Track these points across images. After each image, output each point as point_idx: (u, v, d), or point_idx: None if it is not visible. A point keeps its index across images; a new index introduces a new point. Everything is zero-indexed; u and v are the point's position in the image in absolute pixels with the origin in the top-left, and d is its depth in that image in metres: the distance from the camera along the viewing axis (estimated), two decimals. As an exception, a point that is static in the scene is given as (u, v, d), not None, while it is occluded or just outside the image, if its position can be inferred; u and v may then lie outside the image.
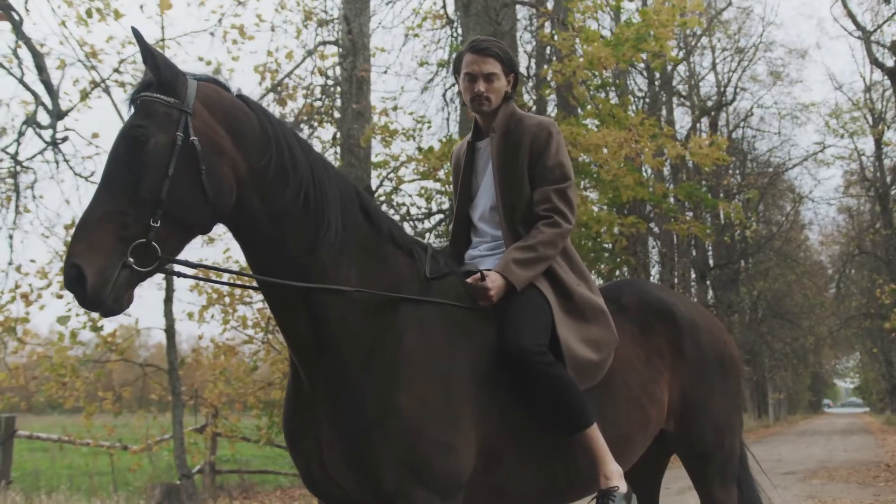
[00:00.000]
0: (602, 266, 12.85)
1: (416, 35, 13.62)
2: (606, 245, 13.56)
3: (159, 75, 2.40)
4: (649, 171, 18.84)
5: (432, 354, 2.66)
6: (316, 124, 11.93)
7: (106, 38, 9.96)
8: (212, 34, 10.37)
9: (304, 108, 11.51)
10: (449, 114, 14.51)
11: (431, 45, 14.50)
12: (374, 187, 11.18)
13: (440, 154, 10.31)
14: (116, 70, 10.11)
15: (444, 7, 14.62)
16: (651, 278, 21.85)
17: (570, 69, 10.93)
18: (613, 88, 15.08)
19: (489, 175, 3.18)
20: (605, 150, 10.21)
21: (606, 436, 2.93)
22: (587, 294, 3.10)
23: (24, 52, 8.13)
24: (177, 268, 2.45)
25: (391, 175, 11.36)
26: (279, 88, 11.11)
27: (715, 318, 3.77)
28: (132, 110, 2.41)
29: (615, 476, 2.81)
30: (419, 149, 10.99)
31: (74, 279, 2.18)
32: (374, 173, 11.31)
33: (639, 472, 3.59)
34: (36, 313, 10.08)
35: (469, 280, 2.90)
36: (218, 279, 2.64)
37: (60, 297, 9.48)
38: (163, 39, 10.16)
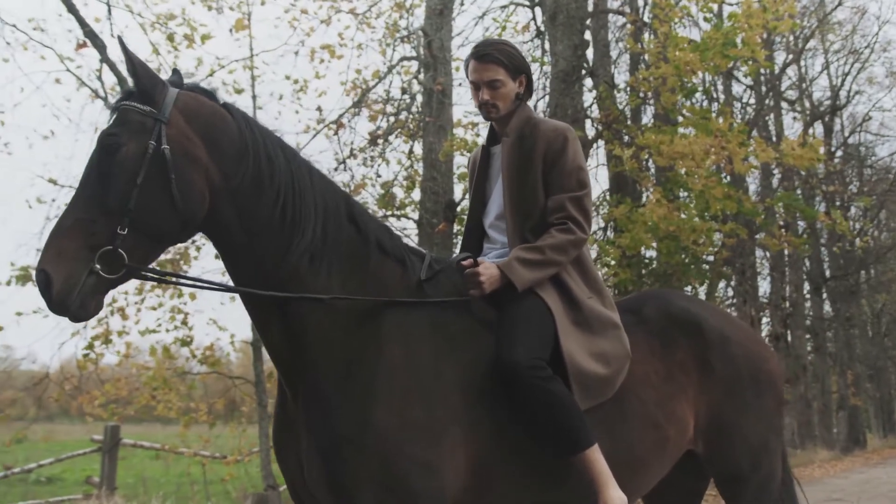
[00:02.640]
0: (693, 281, 12.34)
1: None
2: (706, 258, 13.08)
3: (138, 84, 2.42)
4: (751, 181, 18.15)
5: (415, 367, 2.55)
6: (402, 138, 12.05)
7: (196, 63, 10.40)
8: (296, 53, 10.62)
9: (393, 122, 11.64)
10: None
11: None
12: (457, 200, 11.15)
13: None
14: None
15: (533, 18, 14.59)
16: (759, 292, 20.98)
17: (658, 76, 10.65)
18: (704, 95, 14.56)
19: (500, 181, 3.07)
20: (692, 159, 9.90)
21: (617, 457, 2.76)
22: (598, 306, 2.93)
23: (108, 75, 8.50)
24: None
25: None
26: (363, 104, 11.26)
27: (752, 331, 3.52)
28: (111, 119, 2.45)
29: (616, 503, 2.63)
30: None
31: (43, 284, 2.22)
32: (458, 186, 11.29)
33: (669, 498, 3.38)
34: (132, 326, 10.53)
35: (463, 263, 2.79)
36: (193, 284, 2.62)
37: (154, 309, 9.88)
38: (251, 57, 10.50)
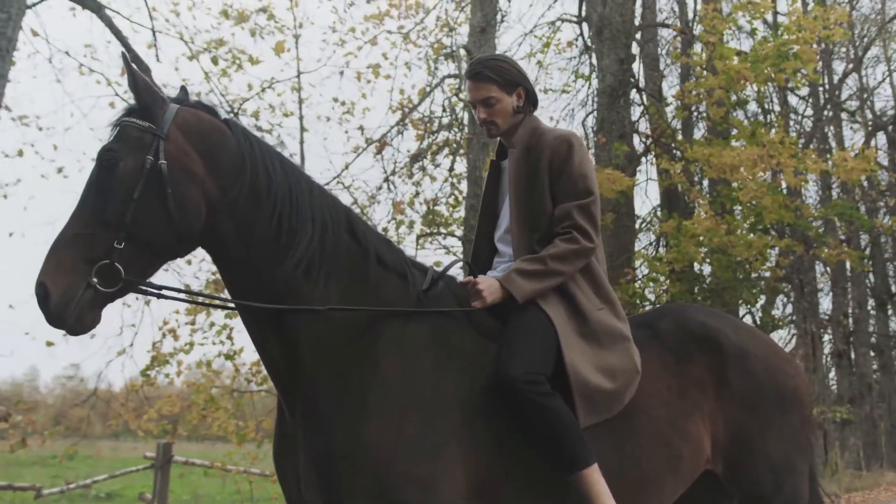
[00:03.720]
0: (747, 297, 12.05)
1: (539, 63, 13.51)
2: (762, 273, 12.76)
3: (139, 100, 2.46)
4: (810, 194, 17.67)
5: (412, 381, 2.52)
6: (447, 156, 12.07)
7: (247, 85, 10.62)
8: (341, 74, 10.75)
9: (435, 140, 11.68)
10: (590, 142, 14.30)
11: (568, 71, 14.37)
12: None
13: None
14: (255, 115, 10.74)
15: (580, 34, 14.53)
16: (821, 308, 20.34)
17: (706, 88, 10.49)
18: (759, 107, 14.28)
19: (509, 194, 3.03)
20: (741, 171, 9.70)
21: (625, 475, 2.68)
22: (607, 318, 2.85)
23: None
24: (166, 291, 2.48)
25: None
26: (407, 122, 11.33)
27: (776, 346, 3.36)
28: (111, 134, 2.49)
29: None
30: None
31: (41, 297, 2.26)
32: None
33: None
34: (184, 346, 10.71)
35: (463, 281, 2.77)
36: (190, 300, 2.63)
37: (205, 331, 10.05)
38: (298, 76, 10.68)
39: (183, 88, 2.74)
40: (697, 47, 12.30)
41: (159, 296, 2.47)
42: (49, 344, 8.59)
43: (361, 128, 11.01)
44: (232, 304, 2.62)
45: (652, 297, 11.23)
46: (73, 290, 2.27)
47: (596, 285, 2.91)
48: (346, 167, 10.92)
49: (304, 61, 10.97)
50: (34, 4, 7.17)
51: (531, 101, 3.07)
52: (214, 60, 9.34)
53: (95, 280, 2.29)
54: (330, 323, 2.56)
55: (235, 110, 10.38)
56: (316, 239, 2.57)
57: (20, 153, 9.81)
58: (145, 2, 8.37)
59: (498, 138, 3.14)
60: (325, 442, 2.45)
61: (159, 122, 2.45)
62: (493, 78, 2.97)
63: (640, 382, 2.85)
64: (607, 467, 2.63)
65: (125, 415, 9.72)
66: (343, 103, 11.55)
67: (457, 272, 3.08)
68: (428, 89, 11.28)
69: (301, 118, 11.18)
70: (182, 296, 2.65)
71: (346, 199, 11.12)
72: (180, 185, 2.41)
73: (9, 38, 5.76)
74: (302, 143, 11.19)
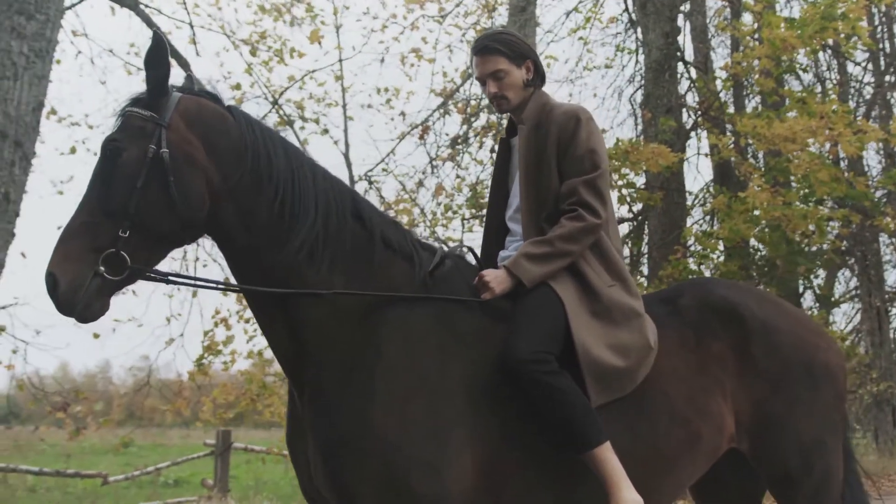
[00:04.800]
0: (803, 271, 11.68)
1: (581, 39, 13.30)
2: (822, 247, 12.36)
3: (147, 89, 2.50)
4: (874, 164, 17.06)
5: (417, 365, 2.50)
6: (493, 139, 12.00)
7: (288, 78, 10.70)
8: (381, 60, 10.75)
9: (475, 123, 11.63)
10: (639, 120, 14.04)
11: (611, 48, 14.13)
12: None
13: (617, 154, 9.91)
14: (299, 106, 10.83)
15: (626, 9, 14.25)
16: (886, 282, 19.68)
17: (751, 58, 10.20)
18: (815, 78, 13.82)
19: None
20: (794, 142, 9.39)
21: (639, 454, 2.63)
22: (619, 295, 2.79)
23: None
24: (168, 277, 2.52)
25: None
26: (450, 105, 11.29)
27: (807, 319, 3.23)
28: (115, 124, 2.52)
29: None
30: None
31: (50, 287, 2.31)
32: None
33: (723, 501, 3.20)
34: (240, 334, 10.92)
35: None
36: (194, 284, 2.67)
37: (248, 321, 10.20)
38: (340, 62, 10.76)
39: (188, 77, 2.75)
40: (747, 17, 11.97)
41: (166, 282, 2.51)
42: (96, 336, 8.82)
43: (403, 114, 11.00)
44: (237, 289, 2.64)
45: (706, 273, 10.99)
46: (81, 278, 2.31)
47: (607, 261, 2.85)
48: (391, 152, 10.94)
49: (344, 50, 10.91)
50: (73, 5, 7.32)
51: (539, 74, 3.02)
52: (253, 51, 9.44)
53: (102, 268, 2.33)
54: (334, 307, 2.55)
55: (278, 101, 10.49)
56: (319, 223, 2.57)
57: (73, 150, 10.06)
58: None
59: (510, 116, 3.09)
60: (331, 427, 2.46)
61: (162, 110, 2.46)
62: (502, 50, 2.92)
63: (656, 360, 2.79)
64: (621, 447, 2.58)
65: (177, 403, 9.92)
66: (386, 90, 11.57)
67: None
68: (469, 71, 11.20)
69: (344, 106, 11.24)
70: (189, 281, 2.67)
71: (392, 185, 11.20)
72: (183, 173, 2.42)
73: (48, 38, 5.87)
74: (346, 130, 11.26)
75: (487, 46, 2.93)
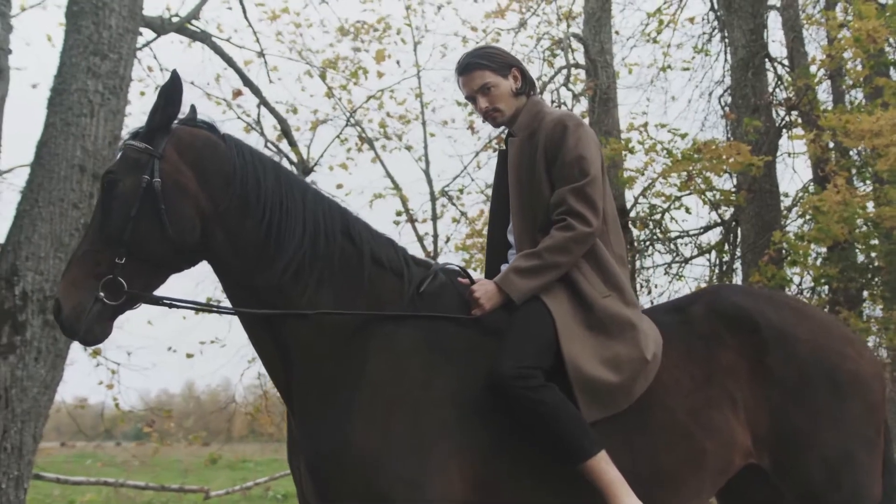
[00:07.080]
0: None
1: (653, 41, 12.99)
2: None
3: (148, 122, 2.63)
4: None
5: (402, 380, 2.52)
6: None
7: (366, 98, 10.92)
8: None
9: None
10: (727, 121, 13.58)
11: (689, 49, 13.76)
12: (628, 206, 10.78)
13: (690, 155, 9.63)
14: (381, 126, 11.04)
15: (712, 8, 13.86)
16: None
17: (840, 51, 9.74)
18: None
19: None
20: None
21: (639, 471, 2.56)
22: (614, 306, 2.72)
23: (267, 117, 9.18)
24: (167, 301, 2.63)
25: (647, 193, 10.84)
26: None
27: (831, 324, 3.03)
28: (115, 158, 2.69)
29: None
30: (669, 154, 10.24)
31: (55, 312, 2.49)
32: (629, 192, 10.89)
33: None
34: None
35: (462, 281, 2.75)
36: (186, 306, 2.77)
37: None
38: (418, 76, 10.91)
39: (192, 108, 2.86)
40: (838, 10, 11.43)
41: (167, 305, 2.63)
42: (189, 356, 9.19)
43: (471, 127, 11.04)
44: (232, 311, 2.73)
45: (796, 280, 10.51)
46: (83, 304, 2.46)
47: (602, 271, 2.78)
48: (465, 168, 11.05)
49: (423, 68, 11.12)
50: (147, 43, 7.70)
51: (528, 81, 2.99)
52: (323, 76, 9.68)
53: (102, 294, 2.47)
54: (319, 327, 2.60)
55: (354, 117, 10.72)
56: (307, 243, 2.62)
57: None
58: (251, 28, 8.79)
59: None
60: (314, 443, 2.51)
61: (158, 142, 2.59)
62: (485, 64, 2.92)
63: (659, 372, 2.70)
64: (620, 465, 2.52)
65: (261, 419, 10.23)
66: (466, 104, 11.61)
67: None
68: (545, 80, 11.13)
69: (424, 123, 11.39)
70: (183, 304, 2.78)
71: (475, 195, 11.26)
72: (174, 201, 2.54)
73: (121, 76, 6.19)
74: (426, 146, 11.40)
75: (470, 63, 2.93)
